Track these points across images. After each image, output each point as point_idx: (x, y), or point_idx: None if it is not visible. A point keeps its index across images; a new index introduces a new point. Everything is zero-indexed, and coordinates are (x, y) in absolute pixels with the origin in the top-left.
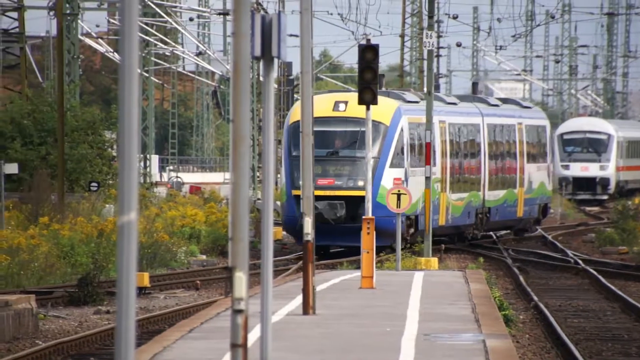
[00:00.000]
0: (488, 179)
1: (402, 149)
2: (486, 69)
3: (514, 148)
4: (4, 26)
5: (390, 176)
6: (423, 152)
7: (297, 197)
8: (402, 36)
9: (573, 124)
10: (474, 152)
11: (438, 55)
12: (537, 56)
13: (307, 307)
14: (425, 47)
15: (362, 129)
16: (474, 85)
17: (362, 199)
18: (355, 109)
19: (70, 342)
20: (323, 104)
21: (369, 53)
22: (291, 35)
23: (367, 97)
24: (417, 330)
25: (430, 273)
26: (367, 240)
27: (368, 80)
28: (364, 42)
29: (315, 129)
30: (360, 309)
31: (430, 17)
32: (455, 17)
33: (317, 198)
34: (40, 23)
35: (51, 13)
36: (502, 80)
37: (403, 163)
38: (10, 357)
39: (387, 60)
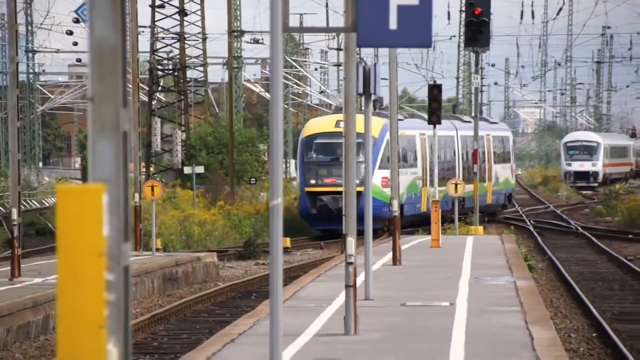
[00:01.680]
0: (462, 176)
1: (388, 154)
2: (514, 100)
3: (483, 153)
4: (194, 76)
5: (379, 175)
6: (405, 158)
7: (308, 193)
8: (457, 78)
9: (573, 136)
10: (450, 156)
11: (481, 91)
12: (549, 90)
13: (395, 260)
14: (472, 85)
15: (358, 141)
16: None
17: (358, 193)
18: None
19: (239, 284)
20: (327, 122)
21: (435, 90)
22: (383, 78)
23: (434, 119)
24: (470, 275)
25: (478, 237)
26: (435, 215)
27: (434, 108)
28: (431, 82)
29: (320, 140)
30: (430, 261)
31: (476, 65)
32: (493, 65)
33: (324, 193)
34: (217, 73)
35: (224, 67)
36: (525, 107)
37: (389, 165)
38: (203, 293)
39: (446, 94)
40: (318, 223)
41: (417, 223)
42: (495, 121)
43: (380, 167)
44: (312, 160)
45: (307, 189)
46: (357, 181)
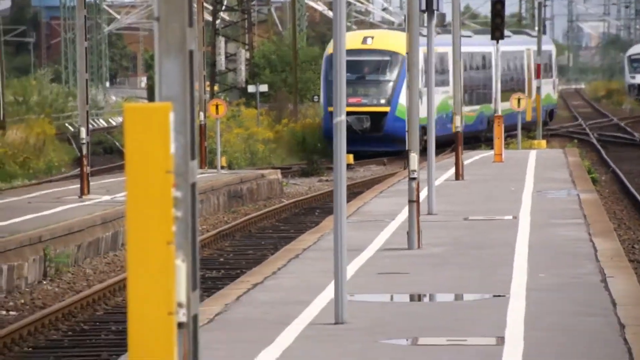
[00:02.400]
0: (500, 94)
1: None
2: (577, 13)
3: (522, 68)
4: None
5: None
6: (440, 73)
7: (332, 113)
8: None
9: (638, 48)
10: (486, 73)
11: (545, 5)
12: (613, 4)
13: (458, 175)
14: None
15: (385, 58)
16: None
17: (384, 114)
18: (380, 43)
19: (303, 200)
20: (354, 39)
21: (498, 5)
22: None
23: (497, 34)
24: (533, 188)
25: (541, 151)
26: (498, 130)
27: (497, 24)
28: None
29: (348, 58)
30: (493, 176)
31: None
32: None
33: (348, 113)
34: None
35: None
36: (589, 21)
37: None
38: (267, 209)
39: (510, 9)
40: None
41: (448, 143)
42: (536, 35)
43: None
44: None
45: (330, 109)
46: (384, 100)
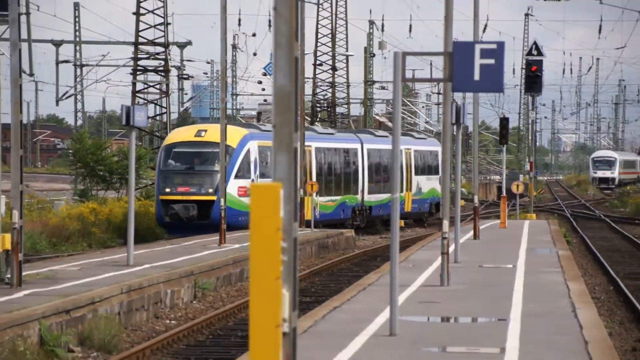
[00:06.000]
0: (367, 186)
1: (249, 164)
2: (558, 128)
3: (400, 166)
4: (341, 111)
5: (235, 185)
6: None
7: (162, 200)
8: (519, 113)
9: (598, 153)
10: (349, 168)
11: (535, 122)
12: (582, 122)
13: (475, 235)
14: (529, 118)
15: (215, 150)
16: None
17: (211, 202)
18: (212, 135)
19: (369, 250)
20: (189, 132)
21: (503, 121)
22: (468, 113)
23: (503, 141)
24: (527, 246)
25: (532, 221)
26: (503, 205)
27: (503, 134)
28: (501, 116)
29: (178, 149)
30: (499, 237)
31: (532, 104)
32: (543, 105)
33: (176, 202)
34: (356, 109)
35: (361, 105)
36: (566, 133)
37: (249, 175)
38: (345, 256)
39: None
40: (172, 229)
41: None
42: (423, 137)
43: (237, 177)
44: (168, 168)
45: (161, 197)
46: (211, 190)
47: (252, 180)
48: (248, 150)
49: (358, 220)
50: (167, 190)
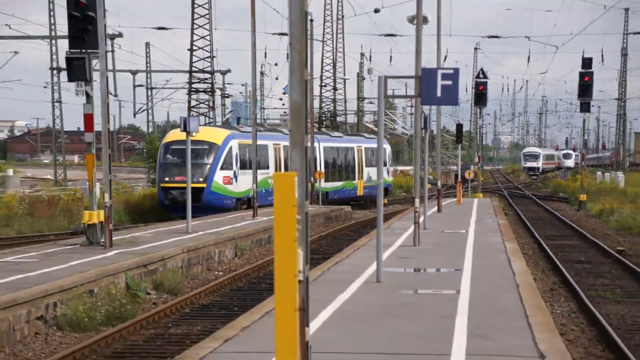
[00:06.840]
0: (325, 177)
1: (231, 158)
2: (498, 131)
3: (352, 159)
4: (341, 119)
5: (221, 175)
6: (248, 160)
7: (162, 187)
8: (470, 121)
9: (527, 149)
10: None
11: (482, 126)
12: (516, 127)
13: (438, 210)
14: (478, 124)
15: (204, 147)
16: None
17: (202, 189)
18: (201, 135)
19: (362, 221)
20: (183, 133)
21: (459, 126)
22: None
23: (459, 141)
24: (476, 217)
25: (480, 199)
26: (459, 188)
27: (459, 136)
28: (457, 122)
29: (175, 146)
30: (456, 211)
31: (480, 114)
32: (488, 114)
33: (175, 188)
34: (351, 118)
35: (355, 114)
36: (504, 134)
37: (232, 167)
38: (344, 225)
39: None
40: (172, 211)
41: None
42: (372, 137)
43: (222, 168)
44: (167, 161)
45: (162, 185)
46: (202, 179)
47: (234, 171)
48: (230, 147)
49: (318, 202)
50: (167, 179)
